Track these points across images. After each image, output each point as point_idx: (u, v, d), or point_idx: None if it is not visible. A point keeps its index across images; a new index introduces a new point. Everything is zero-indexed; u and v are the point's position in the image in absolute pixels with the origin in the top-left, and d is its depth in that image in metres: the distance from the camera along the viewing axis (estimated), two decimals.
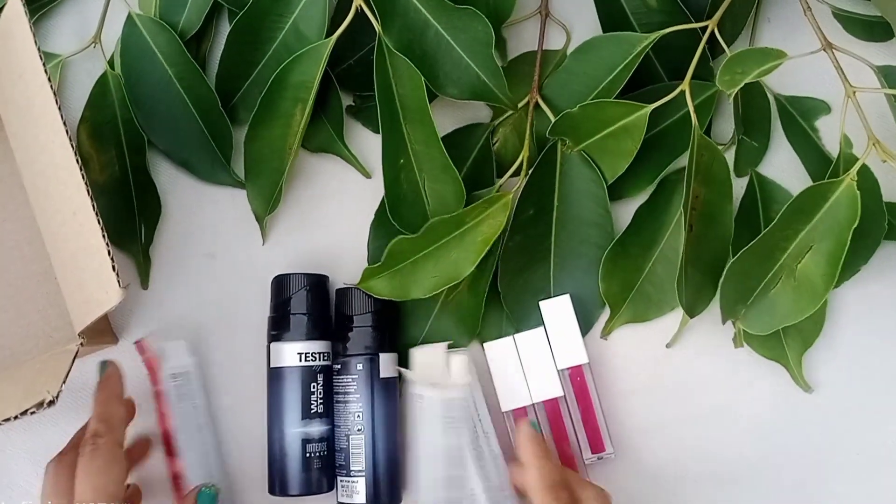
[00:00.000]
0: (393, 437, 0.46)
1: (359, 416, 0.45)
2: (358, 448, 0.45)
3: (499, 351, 0.46)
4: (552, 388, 0.46)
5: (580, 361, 0.46)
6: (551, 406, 0.46)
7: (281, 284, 0.47)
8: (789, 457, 0.47)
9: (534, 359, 0.46)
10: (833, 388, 0.48)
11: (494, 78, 0.45)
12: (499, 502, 0.44)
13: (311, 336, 0.46)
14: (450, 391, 0.44)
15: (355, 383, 0.45)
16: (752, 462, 0.47)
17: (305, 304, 0.46)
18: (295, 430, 0.45)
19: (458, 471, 0.44)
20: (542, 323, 0.47)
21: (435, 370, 0.45)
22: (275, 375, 0.46)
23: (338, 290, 0.47)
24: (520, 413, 0.46)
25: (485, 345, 0.47)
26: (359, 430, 0.45)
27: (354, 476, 0.45)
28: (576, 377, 0.46)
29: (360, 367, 0.45)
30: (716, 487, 0.47)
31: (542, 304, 0.47)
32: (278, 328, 0.46)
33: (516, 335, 0.47)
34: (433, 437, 0.44)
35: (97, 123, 0.50)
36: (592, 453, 0.45)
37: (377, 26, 0.45)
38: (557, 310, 0.46)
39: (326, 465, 0.46)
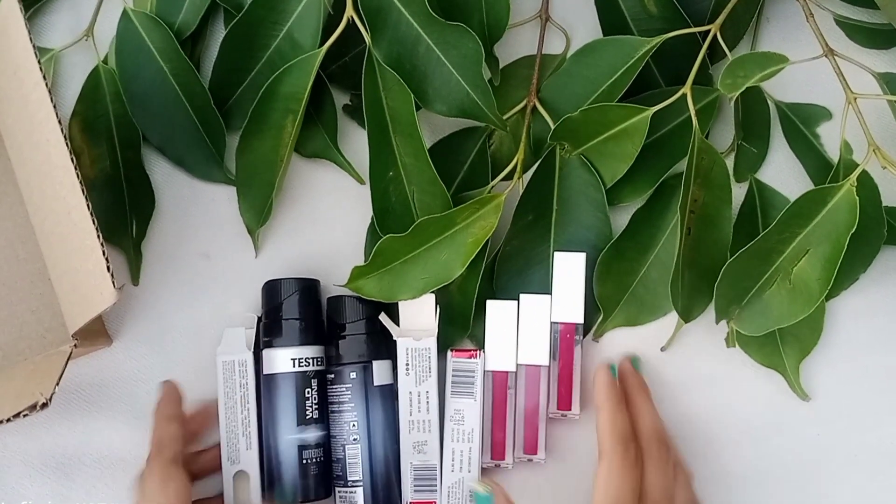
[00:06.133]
0: (390, 445, 0.45)
1: (354, 425, 0.45)
2: (354, 458, 0.45)
3: (499, 311, 0.46)
4: (540, 356, 0.46)
5: (575, 320, 0.46)
6: (532, 371, 0.46)
7: (272, 290, 0.46)
8: (786, 459, 0.47)
9: (531, 322, 0.46)
10: (831, 391, 0.48)
11: (483, 96, 0.45)
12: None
13: (304, 341, 0.45)
14: (422, 340, 0.45)
15: (349, 392, 0.45)
16: (750, 464, 0.47)
17: (297, 309, 0.46)
18: (290, 436, 0.44)
19: (424, 416, 0.45)
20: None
21: (418, 319, 0.46)
22: (268, 382, 0.45)
23: (329, 298, 0.47)
24: (500, 376, 0.46)
25: (488, 302, 0.46)
26: (354, 439, 0.45)
27: (352, 486, 0.44)
28: (565, 333, 0.46)
29: (353, 375, 0.45)
30: (714, 489, 0.47)
31: (557, 254, 0.46)
32: (270, 334, 0.46)
33: (522, 295, 0.46)
34: (402, 381, 0.45)
35: (89, 118, 0.50)
36: (558, 409, 0.46)
37: (367, 38, 0.45)
38: (570, 264, 0.46)
39: (324, 472, 0.45)
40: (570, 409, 0.46)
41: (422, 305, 0.46)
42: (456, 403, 0.45)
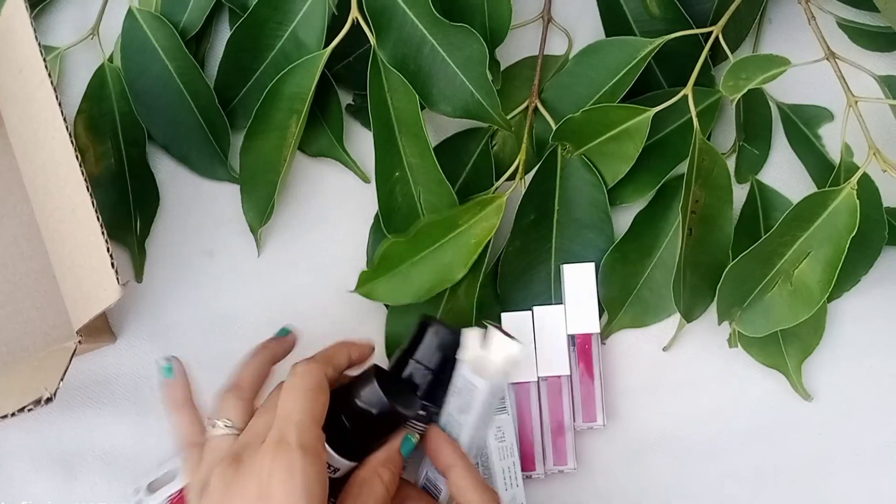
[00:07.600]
0: None
1: None
2: None
3: (514, 324, 0.46)
4: (560, 366, 0.46)
5: (591, 330, 0.46)
6: (553, 382, 0.46)
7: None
8: (788, 459, 0.47)
9: (547, 333, 0.46)
10: (833, 391, 0.48)
11: (488, 97, 0.45)
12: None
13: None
14: (475, 377, 0.41)
15: None
16: (752, 464, 0.47)
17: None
18: None
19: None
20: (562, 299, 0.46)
21: (493, 355, 0.41)
22: None
23: (421, 316, 0.43)
24: (522, 388, 0.45)
25: (502, 315, 0.46)
26: None
27: None
28: (583, 344, 0.46)
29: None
30: (716, 489, 0.47)
31: (564, 267, 0.46)
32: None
33: (535, 307, 0.46)
34: (450, 400, 0.42)
35: (94, 115, 0.50)
36: (584, 421, 0.46)
37: (372, 40, 0.45)
38: (580, 276, 0.46)
39: None
40: (595, 421, 0.46)
41: (506, 342, 0.41)
42: (496, 421, 0.44)
